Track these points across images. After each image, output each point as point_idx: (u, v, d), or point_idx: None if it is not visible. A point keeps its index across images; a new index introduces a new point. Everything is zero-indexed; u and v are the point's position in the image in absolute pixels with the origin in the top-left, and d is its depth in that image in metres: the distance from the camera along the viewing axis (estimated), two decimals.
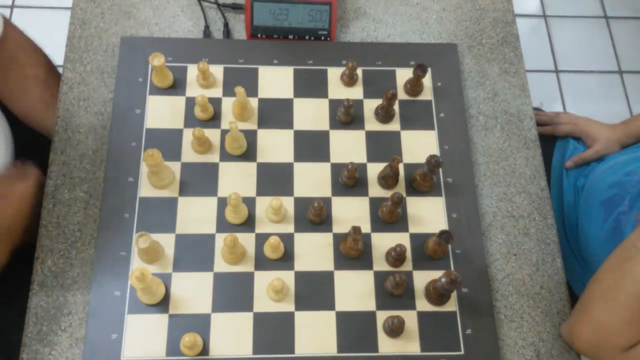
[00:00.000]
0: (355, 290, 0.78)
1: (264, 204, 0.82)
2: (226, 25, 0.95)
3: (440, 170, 0.85)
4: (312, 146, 0.86)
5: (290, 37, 0.94)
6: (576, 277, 1.00)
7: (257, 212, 0.81)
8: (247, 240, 0.79)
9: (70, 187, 0.82)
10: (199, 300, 0.75)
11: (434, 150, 0.88)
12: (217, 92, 0.89)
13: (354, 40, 0.97)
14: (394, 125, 0.89)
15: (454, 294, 0.78)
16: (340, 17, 0.98)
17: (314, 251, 0.79)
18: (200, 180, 0.82)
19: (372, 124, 0.89)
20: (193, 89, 0.88)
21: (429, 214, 0.83)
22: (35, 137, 0.92)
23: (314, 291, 0.77)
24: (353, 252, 0.78)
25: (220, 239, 0.79)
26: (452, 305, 0.78)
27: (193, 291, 0.76)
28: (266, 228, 0.80)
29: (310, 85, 0.90)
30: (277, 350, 0.74)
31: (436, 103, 0.91)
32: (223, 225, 0.80)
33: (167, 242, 0.78)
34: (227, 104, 0.88)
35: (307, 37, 0.94)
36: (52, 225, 0.79)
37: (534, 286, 0.82)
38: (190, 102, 0.87)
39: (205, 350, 0.73)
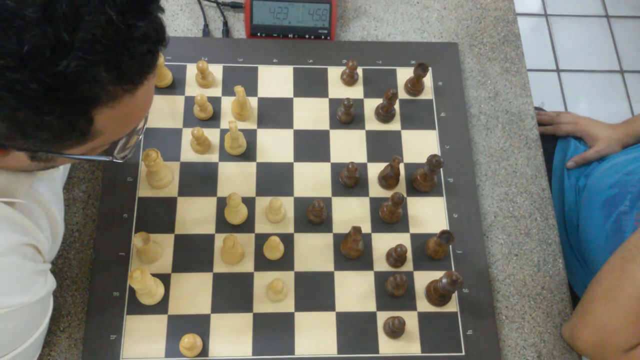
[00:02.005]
0: (355, 291, 0.77)
1: (263, 204, 0.81)
2: (225, 24, 0.95)
3: (441, 170, 0.85)
4: (312, 146, 0.86)
5: (290, 36, 0.93)
6: (577, 278, 1.00)
7: (257, 213, 0.81)
8: (246, 241, 0.79)
9: (68, 187, 0.81)
10: (198, 301, 0.75)
11: (435, 150, 0.87)
12: (216, 91, 0.88)
13: (354, 39, 0.96)
14: (395, 125, 0.88)
15: (454, 295, 0.78)
16: (341, 16, 0.98)
17: (314, 252, 0.79)
18: (199, 180, 0.82)
19: (373, 124, 0.88)
20: (192, 88, 0.88)
21: (429, 214, 0.83)
22: None
23: (314, 292, 0.77)
24: (353, 253, 0.78)
25: (220, 240, 0.78)
26: (452, 306, 0.77)
27: (192, 292, 0.75)
28: (266, 228, 0.80)
29: (310, 84, 0.90)
30: (277, 351, 0.73)
31: (437, 102, 0.90)
32: (222, 225, 0.79)
33: (166, 242, 0.78)
34: (227, 103, 0.88)
35: (307, 36, 0.93)
36: None
37: (535, 287, 0.82)
38: (190, 102, 0.87)
39: (204, 351, 0.72)
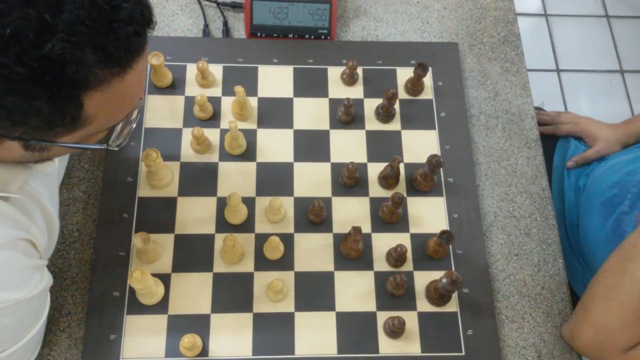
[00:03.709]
0: (355, 291, 0.77)
1: (263, 204, 0.81)
2: (225, 24, 0.95)
3: (441, 170, 0.85)
4: (312, 146, 0.86)
5: (290, 36, 0.93)
6: (577, 278, 1.00)
7: (257, 212, 0.81)
8: (246, 241, 0.79)
9: (69, 187, 0.82)
10: (198, 301, 0.75)
11: (435, 149, 0.87)
12: (216, 91, 0.88)
13: (354, 39, 0.96)
14: (395, 125, 0.88)
15: (454, 295, 0.78)
16: (341, 16, 0.98)
17: (314, 251, 0.79)
18: (199, 180, 0.82)
19: (373, 124, 0.88)
20: (192, 88, 0.88)
21: (429, 214, 0.83)
22: None
23: (314, 292, 0.77)
24: (353, 253, 0.78)
25: (220, 239, 0.78)
26: (452, 306, 0.77)
27: (192, 292, 0.75)
28: (266, 228, 0.80)
29: (310, 84, 0.90)
30: (277, 351, 0.73)
31: (437, 102, 0.90)
32: (222, 225, 0.79)
33: (166, 242, 0.78)
34: (227, 103, 0.88)
35: (307, 36, 0.93)
36: None
37: (535, 287, 0.82)
38: (190, 102, 0.87)
39: (204, 351, 0.72)
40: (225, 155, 0.84)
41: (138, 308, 0.74)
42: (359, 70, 0.91)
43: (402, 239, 0.81)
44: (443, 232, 0.76)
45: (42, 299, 0.63)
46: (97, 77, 0.44)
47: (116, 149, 0.57)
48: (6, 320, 0.56)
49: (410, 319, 0.76)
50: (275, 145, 0.85)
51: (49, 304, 0.66)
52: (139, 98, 0.54)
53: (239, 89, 0.81)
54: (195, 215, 0.80)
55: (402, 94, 0.91)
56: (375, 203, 0.83)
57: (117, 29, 0.43)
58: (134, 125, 0.58)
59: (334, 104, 0.89)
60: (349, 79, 0.90)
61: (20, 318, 0.58)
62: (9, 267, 0.54)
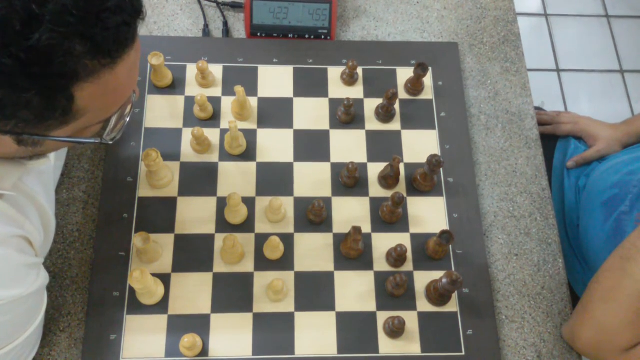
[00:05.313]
0: (355, 291, 0.77)
1: (263, 204, 0.81)
2: (225, 24, 0.95)
3: (441, 170, 0.85)
4: (312, 146, 0.86)
5: (290, 36, 0.93)
6: (577, 278, 1.00)
7: (257, 212, 0.81)
8: (246, 241, 0.79)
9: (68, 187, 0.82)
10: (198, 301, 0.75)
11: (435, 149, 0.87)
12: (216, 91, 0.88)
13: (354, 39, 0.96)
14: (395, 125, 0.88)
15: (454, 295, 0.78)
16: (341, 16, 0.98)
17: (314, 251, 0.79)
18: (199, 180, 0.82)
19: (373, 124, 0.88)
20: (192, 88, 0.88)
21: (429, 214, 0.83)
22: None
23: (314, 292, 0.77)
24: (353, 253, 0.78)
25: (220, 240, 0.78)
26: (453, 306, 0.77)
27: (192, 292, 0.75)
28: (266, 228, 0.80)
29: (310, 84, 0.90)
30: (277, 351, 0.73)
31: (437, 102, 0.90)
32: (222, 225, 0.79)
33: (166, 242, 0.78)
34: (227, 103, 0.88)
35: (307, 36, 0.93)
36: None
37: (535, 287, 0.82)
38: (190, 102, 0.87)
39: (204, 351, 0.72)
40: (225, 155, 0.84)
41: (138, 308, 0.74)
42: (359, 70, 0.91)
43: (402, 239, 0.81)
44: (443, 232, 0.76)
45: (39, 297, 0.63)
46: (86, 68, 0.44)
47: (110, 142, 0.57)
48: (3, 318, 0.56)
49: (410, 319, 0.76)
50: (275, 145, 0.85)
51: (47, 303, 0.66)
52: (132, 91, 0.54)
53: (239, 89, 0.81)
54: (195, 215, 0.80)
55: (402, 94, 0.91)
56: (375, 203, 0.83)
57: (106, 19, 0.43)
58: (128, 119, 0.57)
59: (334, 104, 0.89)
60: (349, 79, 0.90)
61: (17, 316, 0.58)
62: (4, 265, 0.54)
